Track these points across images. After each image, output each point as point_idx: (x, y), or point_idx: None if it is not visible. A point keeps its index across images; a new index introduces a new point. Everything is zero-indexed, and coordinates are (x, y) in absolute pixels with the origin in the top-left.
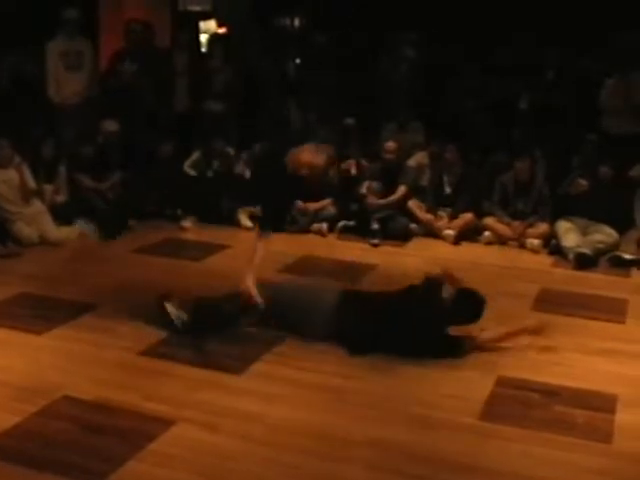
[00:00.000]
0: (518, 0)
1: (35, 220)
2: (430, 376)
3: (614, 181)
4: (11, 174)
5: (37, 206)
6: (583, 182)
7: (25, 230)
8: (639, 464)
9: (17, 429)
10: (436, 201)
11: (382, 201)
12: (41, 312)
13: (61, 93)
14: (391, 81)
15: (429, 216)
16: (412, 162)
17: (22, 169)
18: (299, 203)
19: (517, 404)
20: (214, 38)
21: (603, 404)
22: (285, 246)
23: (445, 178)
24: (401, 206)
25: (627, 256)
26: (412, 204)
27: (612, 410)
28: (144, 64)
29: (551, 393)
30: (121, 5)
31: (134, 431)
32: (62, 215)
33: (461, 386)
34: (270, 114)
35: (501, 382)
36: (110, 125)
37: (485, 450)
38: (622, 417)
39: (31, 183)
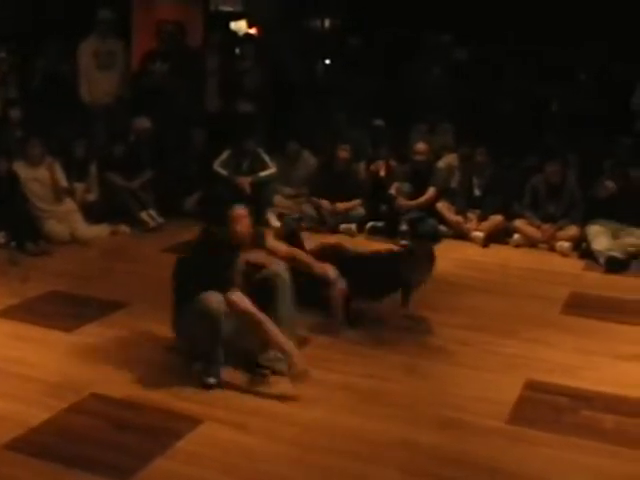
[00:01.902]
0: (552, 2)
1: (66, 218)
2: (459, 378)
3: None
4: (42, 172)
5: (68, 204)
6: (610, 184)
7: (56, 228)
8: None
9: (47, 425)
10: (465, 203)
11: (411, 202)
12: (72, 310)
13: (93, 92)
14: (422, 83)
15: (458, 218)
16: (442, 164)
17: (53, 167)
18: (326, 203)
19: (546, 408)
20: (245, 38)
21: (633, 409)
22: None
23: (475, 180)
24: (430, 208)
25: None
26: (441, 206)
27: None
28: (175, 64)
29: (580, 398)
30: (153, 5)
31: (162, 429)
32: (93, 214)
33: (490, 389)
34: (301, 115)
35: (530, 386)
36: (142, 122)
37: (514, 454)
38: None
39: (63, 181)
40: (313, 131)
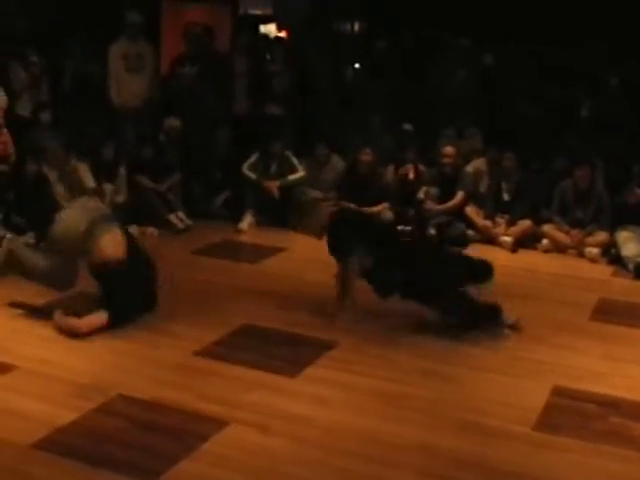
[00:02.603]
0: (575, 5)
1: None
2: (484, 383)
3: None
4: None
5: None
6: (639, 191)
7: None
8: None
9: (74, 425)
10: (494, 208)
11: (440, 207)
12: None
13: (122, 95)
14: (448, 87)
15: (487, 222)
16: (470, 168)
17: (79, 169)
18: (353, 207)
19: (573, 415)
20: (274, 42)
21: None
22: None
23: (503, 185)
24: (458, 212)
25: None
26: (470, 210)
27: None
28: (204, 67)
29: (609, 404)
30: (182, 9)
31: (188, 431)
32: (122, 216)
33: (515, 394)
34: (329, 118)
35: (557, 392)
36: (172, 121)
37: (538, 460)
38: None
39: (90, 183)
40: (342, 134)
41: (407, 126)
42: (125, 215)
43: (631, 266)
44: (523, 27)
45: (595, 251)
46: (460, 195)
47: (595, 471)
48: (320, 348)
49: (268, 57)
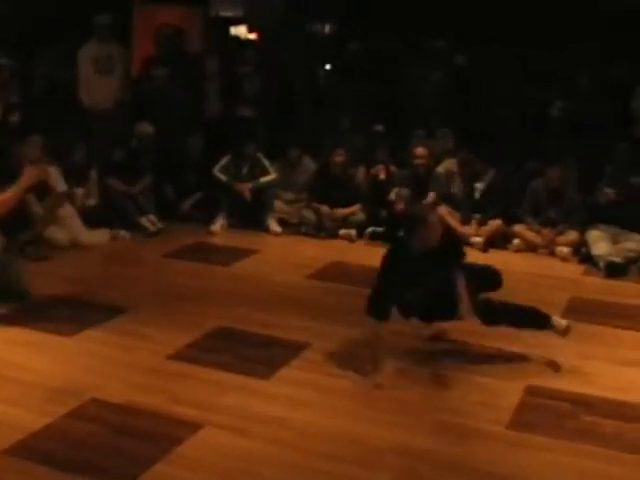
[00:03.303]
0: (549, 6)
1: (66, 223)
2: (459, 382)
3: None
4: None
5: (67, 209)
6: (609, 191)
7: (57, 234)
8: None
9: (47, 430)
10: (467, 208)
11: None
12: (73, 315)
13: (92, 97)
14: (421, 88)
15: (458, 223)
16: (441, 169)
17: (49, 172)
18: (325, 208)
19: (547, 413)
20: (245, 43)
21: (633, 414)
22: (313, 252)
23: (476, 185)
24: None
25: None
26: (443, 210)
27: None
28: (175, 69)
29: (582, 403)
30: (154, 11)
31: (162, 434)
32: (93, 219)
33: (490, 394)
34: (301, 120)
35: (531, 391)
36: (145, 127)
37: (515, 459)
38: None
39: (60, 186)
40: (314, 136)
41: (378, 127)
42: (96, 218)
43: (602, 265)
44: (497, 29)
45: (566, 250)
46: (432, 196)
47: (569, 469)
48: (294, 350)
49: (237, 57)
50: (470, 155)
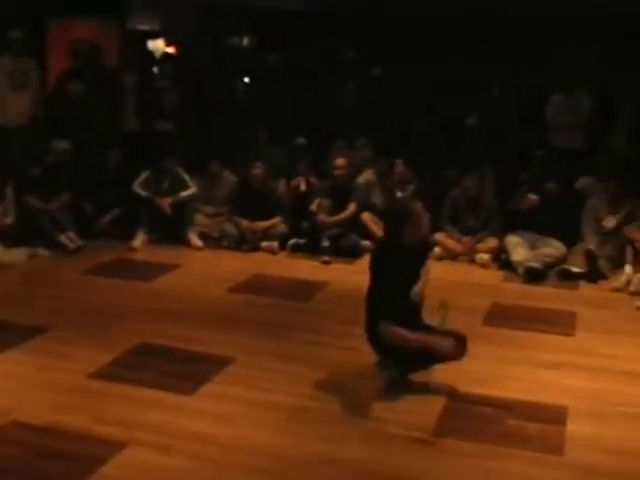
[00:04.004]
0: (460, 19)
1: None
2: (382, 392)
3: (561, 195)
4: None
5: None
6: (533, 197)
7: None
8: (589, 474)
9: None
10: None
11: (332, 219)
12: None
13: (6, 114)
14: (338, 99)
15: (378, 229)
16: (361, 179)
17: None
18: (245, 222)
19: (470, 418)
20: (163, 57)
21: (554, 416)
22: (235, 265)
23: (399, 194)
24: (352, 223)
25: (575, 269)
26: (366, 217)
27: (563, 422)
28: (91, 83)
29: (504, 407)
30: (69, 25)
31: (85, 455)
32: (10, 237)
33: (414, 401)
34: (221, 133)
35: (454, 397)
36: (62, 144)
37: (440, 465)
38: (572, 428)
39: None
40: (233, 149)
41: (300, 140)
42: (14, 236)
43: (521, 270)
44: (412, 44)
45: (486, 257)
46: (352, 207)
47: (495, 473)
48: (217, 364)
49: (155, 70)
50: (389, 165)
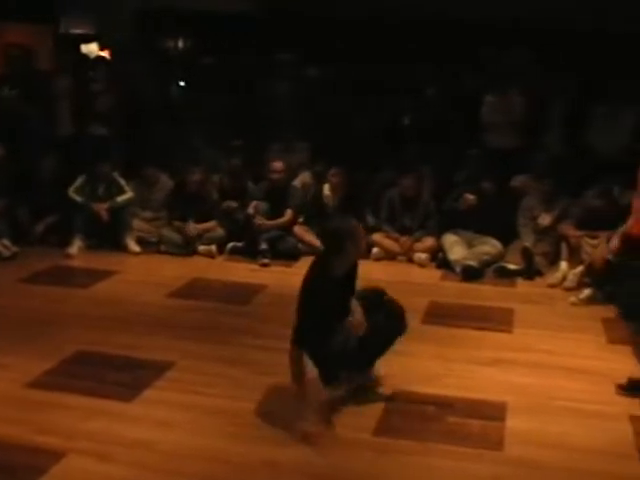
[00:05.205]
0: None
1: None
2: (324, 394)
3: (497, 194)
4: None
5: None
6: (471, 197)
7: None
8: (529, 468)
9: None
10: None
11: (270, 223)
12: None
13: None
14: (273, 102)
15: (313, 238)
16: (297, 182)
17: None
18: (192, 225)
19: (411, 417)
20: (96, 61)
21: (494, 412)
22: (173, 270)
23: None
24: (290, 226)
25: (512, 266)
26: (298, 230)
27: (502, 418)
28: (25, 89)
29: (445, 405)
30: (1, 29)
31: (23, 466)
32: None
33: (354, 401)
34: (156, 137)
35: (394, 396)
36: None
37: (383, 465)
38: (512, 424)
39: None
40: (169, 153)
41: (237, 142)
42: None
43: (458, 269)
44: (347, 46)
45: (424, 256)
46: (289, 212)
47: (437, 471)
48: (157, 370)
49: (89, 75)
50: (326, 168)
